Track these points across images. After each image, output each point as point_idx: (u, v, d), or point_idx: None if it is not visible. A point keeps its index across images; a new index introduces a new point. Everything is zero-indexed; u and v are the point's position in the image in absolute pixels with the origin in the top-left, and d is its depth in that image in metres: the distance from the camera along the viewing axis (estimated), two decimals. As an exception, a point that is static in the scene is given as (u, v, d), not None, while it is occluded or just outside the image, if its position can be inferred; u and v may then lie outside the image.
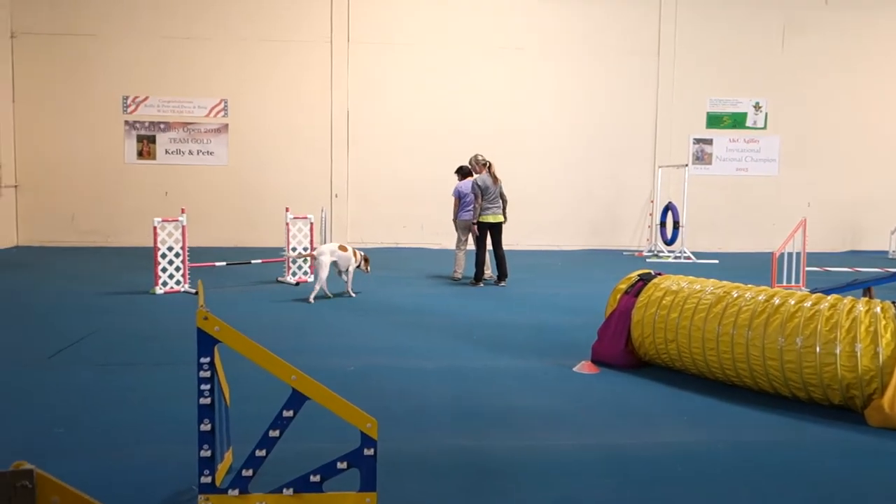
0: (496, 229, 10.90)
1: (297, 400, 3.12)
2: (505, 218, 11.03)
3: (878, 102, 17.85)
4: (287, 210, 10.98)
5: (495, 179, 10.78)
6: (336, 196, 16.83)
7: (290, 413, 3.13)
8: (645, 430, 4.56)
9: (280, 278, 10.92)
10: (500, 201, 10.88)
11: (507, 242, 11.53)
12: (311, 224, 10.98)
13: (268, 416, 3.19)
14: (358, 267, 9.73)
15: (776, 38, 17.59)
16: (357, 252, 9.72)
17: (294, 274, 10.82)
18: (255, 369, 3.25)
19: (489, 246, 11.02)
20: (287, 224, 10.75)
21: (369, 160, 16.89)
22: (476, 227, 10.82)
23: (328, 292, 9.41)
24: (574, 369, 5.97)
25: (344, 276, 9.64)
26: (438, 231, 16.30)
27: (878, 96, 17.85)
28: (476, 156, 11.11)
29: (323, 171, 16.84)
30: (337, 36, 16.57)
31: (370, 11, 16.64)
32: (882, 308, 4.75)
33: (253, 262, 11.12)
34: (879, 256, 16.55)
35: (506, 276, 10.97)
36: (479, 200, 10.73)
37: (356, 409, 3.09)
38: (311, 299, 9.10)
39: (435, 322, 8.02)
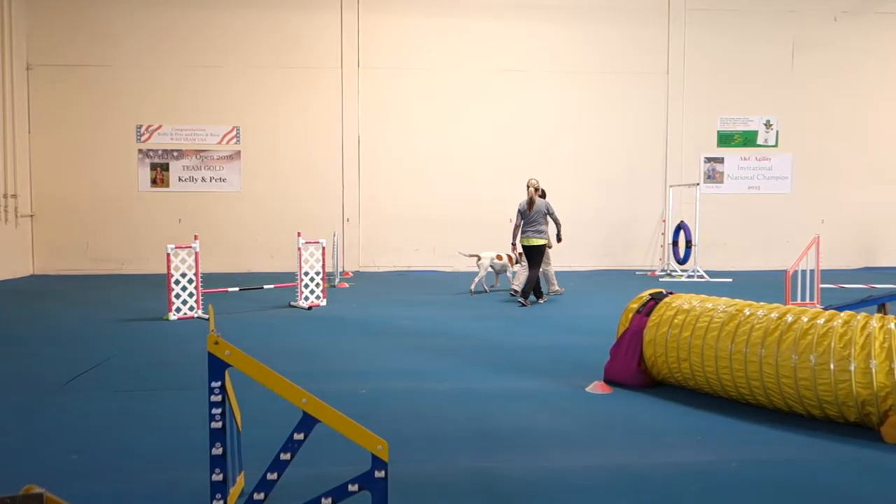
0: (533, 251, 11.15)
1: (307, 423, 3.12)
2: (560, 239, 11.54)
3: (889, 116, 17.80)
4: (299, 235, 11.05)
5: (530, 204, 11.11)
6: (348, 220, 16.91)
7: (301, 436, 3.13)
8: (658, 450, 4.53)
9: (293, 303, 10.96)
10: (539, 224, 11.09)
11: (519, 264, 11.62)
12: (324, 248, 11.04)
13: (279, 439, 3.20)
14: (517, 262, 12.24)
15: (786, 56, 17.60)
16: (510, 256, 12.42)
17: (306, 298, 10.85)
18: (266, 393, 3.27)
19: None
20: (299, 248, 10.80)
21: (380, 184, 16.99)
22: (516, 248, 11.63)
23: (486, 287, 12.73)
24: (587, 389, 5.95)
25: (508, 274, 12.51)
26: (450, 254, 16.34)
27: (890, 110, 17.81)
28: (529, 180, 11.42)
29: (334, 196, 16.94)
30: (347, 62, 16.74)
31: (380, 37, 16.81)
32: (896, 324, 4.71)
33: (266, 287, 11.16)
34: (895, 273, 16.43)
35: (527, 294, 11.14)
36: (517, 223, 11.33)
37: (366, 431, 3.09)
38: (472, 290, 12.45)
39: (448, 344, 8.02)
